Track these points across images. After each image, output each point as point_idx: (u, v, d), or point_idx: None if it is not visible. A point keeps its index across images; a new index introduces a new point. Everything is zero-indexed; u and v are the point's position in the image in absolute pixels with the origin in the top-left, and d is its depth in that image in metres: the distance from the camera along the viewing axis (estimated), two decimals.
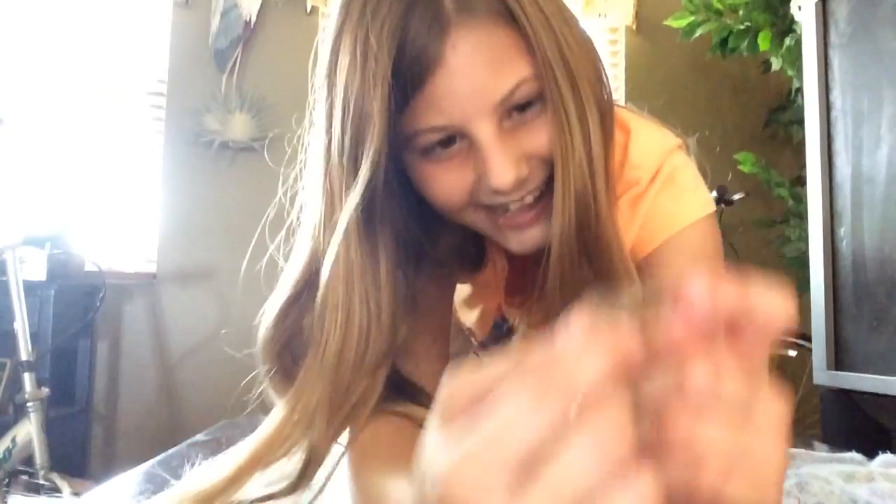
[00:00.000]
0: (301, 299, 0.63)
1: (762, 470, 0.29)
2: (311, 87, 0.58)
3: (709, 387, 0.27)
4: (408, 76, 0.50)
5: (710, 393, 0.27)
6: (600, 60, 0.59)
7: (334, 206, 0.55)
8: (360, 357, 0.54)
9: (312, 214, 0.62)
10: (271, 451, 0.56)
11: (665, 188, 0.66)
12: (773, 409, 0.33)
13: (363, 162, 0.52)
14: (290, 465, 0.56)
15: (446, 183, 0.55)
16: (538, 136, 0.54)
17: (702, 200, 0.69)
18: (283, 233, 0.75)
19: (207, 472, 0.56)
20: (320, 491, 0.58)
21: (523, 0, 0.51)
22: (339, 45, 0.53)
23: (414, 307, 0.62)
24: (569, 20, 0.54)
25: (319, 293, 0.57)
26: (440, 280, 0.63)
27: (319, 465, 0.56)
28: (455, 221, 0.60)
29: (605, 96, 0.58)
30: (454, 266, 0.66)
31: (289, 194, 0.77)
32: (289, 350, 0.63)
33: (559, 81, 0.52)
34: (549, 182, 0.55)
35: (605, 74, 0.59)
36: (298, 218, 0.68)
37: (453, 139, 0.53)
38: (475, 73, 0.50)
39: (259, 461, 0.56)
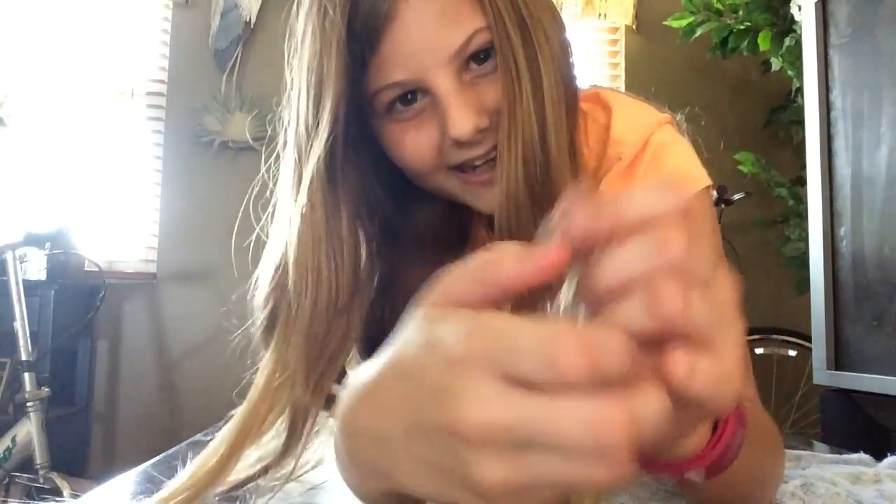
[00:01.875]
0: (282, 264, 0.61)
1: (724, 357, 0.29)
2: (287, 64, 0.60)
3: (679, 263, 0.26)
4: (364, 35, 0.51)
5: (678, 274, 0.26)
6: (559, 15, 0.59)
7: (301, 170, 0.57)
8: (332, 309, 0.55)
9: (286, 179, 0.63)
10: (256, 419, 0.59)
11: (654, 164, 0.65)
12: (727, 292, 0.32)
13: (322, 121, 0.53)
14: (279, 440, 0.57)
15: (413, 143, 0.55)
16: (487, 89, 0.53)
17: (694, 175, 0.68)
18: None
19: (199, 458, 0.56)
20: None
21: None
22: (304, 18, 0.58)
23: (397, 287, 0.62)
24: None
25: (291, 252, 0.57)
26: (424, 262, 0.60)
27: (305, 424, 0.57)
28: (431, 190, 0.59)
29: (565, 49, 0.58)
30: (435, 246, 0.64)
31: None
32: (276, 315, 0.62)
33: (509, 29, 0.51)
34: (499, 152, 0.54)
35: (565, 30, 0.59)
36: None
37: (415, 96, 0.54)
38: (429, 24, 0.50)
39: (247, 433, 0.58)
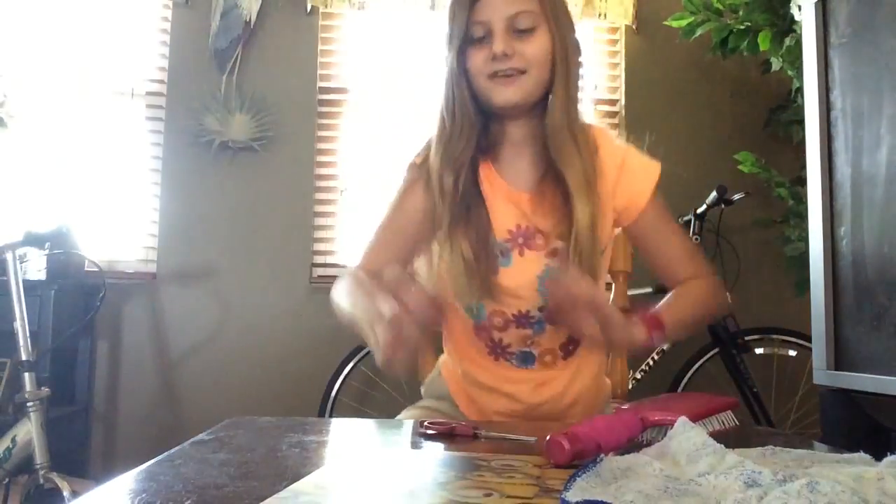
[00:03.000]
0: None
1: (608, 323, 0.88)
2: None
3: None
4: (472, 1, 1.00)
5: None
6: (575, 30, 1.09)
7: (447, 83, 1.04)
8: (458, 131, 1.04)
9: (442, 90, 1.05)
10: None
11: (625, 172, 1.13)
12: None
13: (455, 53, 1.01)
14: None
15: (477, 54, 1.00)
16: (523, 45, 0.99)
17: (655, 172, 1.21)
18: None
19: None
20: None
21: None
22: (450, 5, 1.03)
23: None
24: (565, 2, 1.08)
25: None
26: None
27: None
28: (478, 88, 1.02)
29: (579, 47, 1.08)
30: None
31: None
32: None
33: (556, 22, 1.02)
34: (521, 73, 0.99)
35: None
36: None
37: (485, 38, 0.99)
38: (500, 2, 0.99)
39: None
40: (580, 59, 1.05)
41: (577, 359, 1.12)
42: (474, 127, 1.02)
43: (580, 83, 1.04)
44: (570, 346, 1.11)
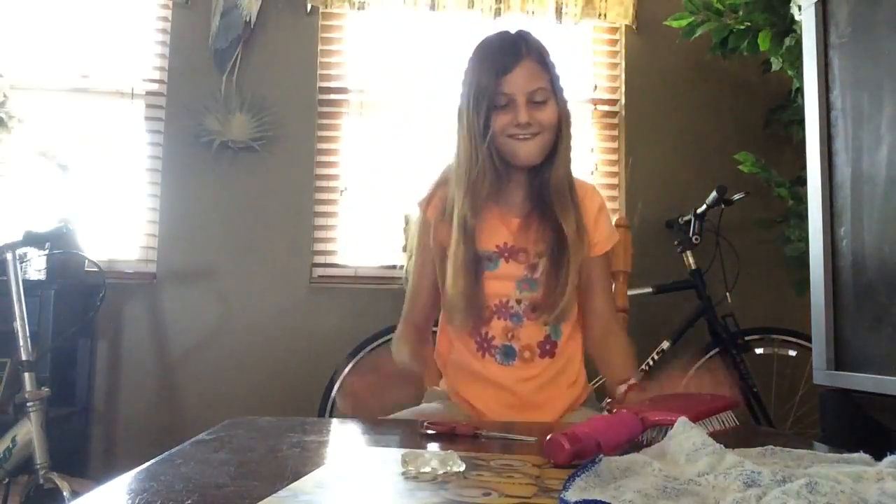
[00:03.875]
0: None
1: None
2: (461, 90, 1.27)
3: None
4: (498, 73, 1.20)
5: None
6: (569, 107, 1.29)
7: (472, 132, 1.22)
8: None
9: (464, 135, 1.24)
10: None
11: (601, 214, 1.33)
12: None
13: (481, 111, 1.21)
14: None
15: (503, 118, 1.21)
16: (539, 114, 1.22)
17: (614, 239, 1.36)
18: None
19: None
20: None
21: (548, 58, 1.25)
22: (475, 62, 1.25)
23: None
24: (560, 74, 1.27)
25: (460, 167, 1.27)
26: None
27: None
28: (498, 146, 1.23)
29: (572, 120, 1.29)
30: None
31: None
32: None
33: (555, 86, 1.25)
34: (535, 135, 1.22)
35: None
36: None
37: (507, 106, 1.21)
38: (522, 77, 1.20)
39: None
40: (570, 119, 1.28)
41: (557, 360, 1.28)
42: (493, 175, 1.24)
43: (571, 151, 1.29)
44: (547, 346, 1.27)
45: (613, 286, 1.41)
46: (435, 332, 1.41)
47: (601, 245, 1.31)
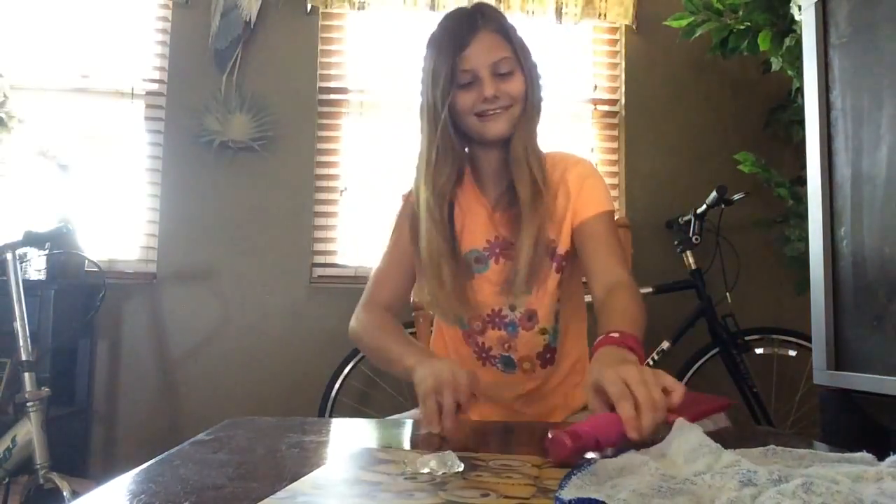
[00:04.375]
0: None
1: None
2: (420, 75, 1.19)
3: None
4: (457, 48, 1.12)
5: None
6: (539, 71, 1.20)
7: (431, 118, 1.15)
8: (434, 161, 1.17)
9: (425, 119, 1.16)
10: None
11: (587, 180, 1.19)
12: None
13: (439, 93, 1.13)
14: None
15: (465, 97, 1.13)
16: (506, 85, 1.14)
17: (600, 201, 1.19)
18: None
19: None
20: None
21: (513, 30, 1.17)
22: (430, 44, 1.17)
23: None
24: (529, 48, 1.19)
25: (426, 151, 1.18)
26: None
27: None
28: (466, 126, 1.16)
29: (542, 84, 1.20)
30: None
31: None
32: None
33: (519, 55, 1.16)
34: (507, 109, 1.14)
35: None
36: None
37: (471, 83, 1.13)
38: (483, 48, 1.12)
39: None
40: (542, 97, 1.19)
41: (559, 365, 1.23)
42: (458, 157, 1.17)
43: (539, 116, 1.19)
44: (547, 354, 1.22)
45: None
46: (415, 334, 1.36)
47: (590, 206, 1.17)
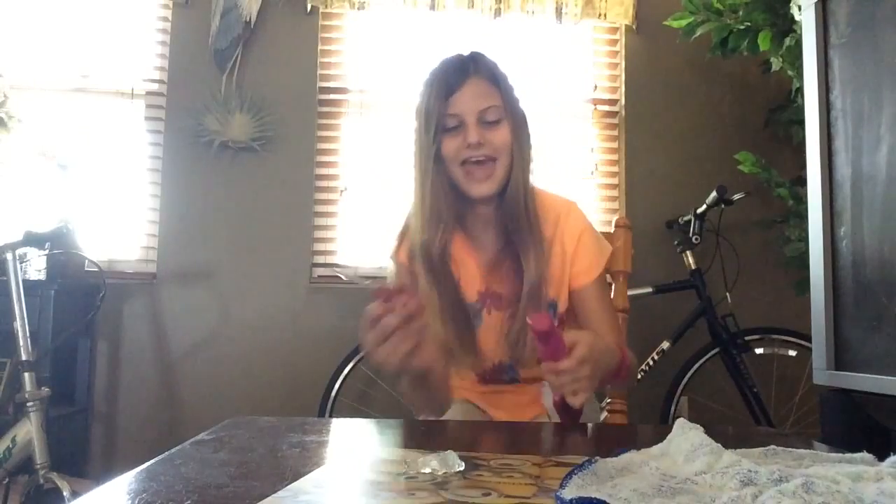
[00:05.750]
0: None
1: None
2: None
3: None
4: (444, 94, 1.13)
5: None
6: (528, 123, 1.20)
7: (423, 161, 1.16)
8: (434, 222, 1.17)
9: (417, 164, 1.18)
10: None
11: (583, 236, 1.21)
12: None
13: (431, 134, 1.13)
14: None
15: (451, 143, 1.13)
16: (492, 135, 1.14)
17: (601, 255, 1.23)
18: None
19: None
20: None
21: (503, 80, 1.17)
22: (423, 89, 1.16)
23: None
24: (518, 99, 1.19)
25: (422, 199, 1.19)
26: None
27: None
28: (452, 176, 1.16)
29: (531, 136, 1.19)
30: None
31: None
32: None
33: (510, 107, 1.16)
34: (492, 161, 1.14)
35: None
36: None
37: (458, 127, 1.13)
38: (471, 96, 1.13)
39: None
40: (532, 148, 1.19)
41: None
42: (451, 209, 1.17)
43: (532, 168, 1.19)
44: None
45: (613, 289, 1.39)
46: None
47: (586, 273, 1.20)
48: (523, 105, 1.19)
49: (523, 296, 1.14)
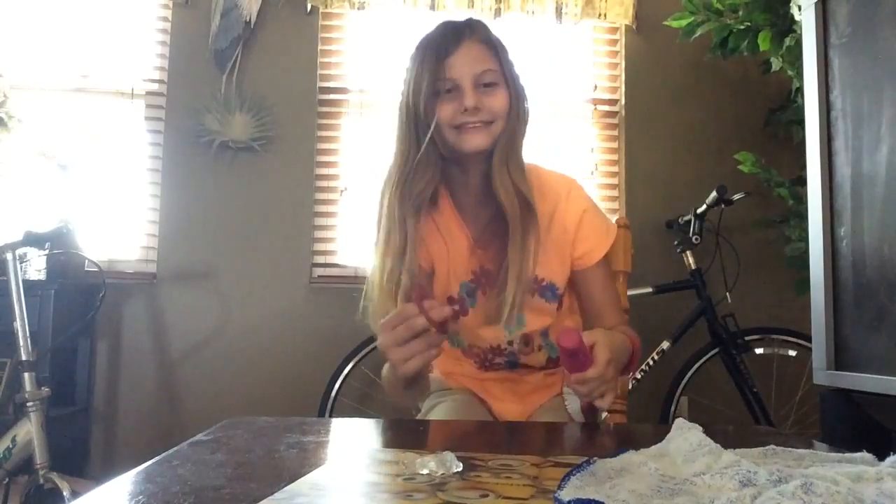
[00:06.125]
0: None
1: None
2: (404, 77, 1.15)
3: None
4: (440, 57, 1.08)
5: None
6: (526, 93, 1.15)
7: (410, 123, 1.10)
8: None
9: (400, 130, 1.12)
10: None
11: (586, 215, 1.17)
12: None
13: (421, 96, 1.08)
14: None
15: (446, 107, 1.08)
16: (489, 99, 1.09)
17: (606, 234, 1.21)
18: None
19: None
20: None
21: (500, 46, 1.13)
22: (415, 53, 1.13)
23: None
24: (517, 69, 1.14)
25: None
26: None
27: None
28: (444, 137, 1.09)
29: (527, 106, 1.15)
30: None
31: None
32: None
33: (505, 70, 1.11)
34: (488, 123, 1.09)
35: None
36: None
37: (452, 91, 1.08)
38: (467, 59, 1.09)
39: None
40: (528, 113, 1.14)
41: (559, 368, 1.26)
42: (436, 168, 1.10)
43: (525, 129, 1.14)
44: (550, 365, 1.26)
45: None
46: None
47: (591, 255, 1.17)
48: (523, 81, 1.14)
49: (510, 277, 1.07)
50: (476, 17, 1.18)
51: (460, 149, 1.09)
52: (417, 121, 1.08)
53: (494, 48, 1.11)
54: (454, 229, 1.17)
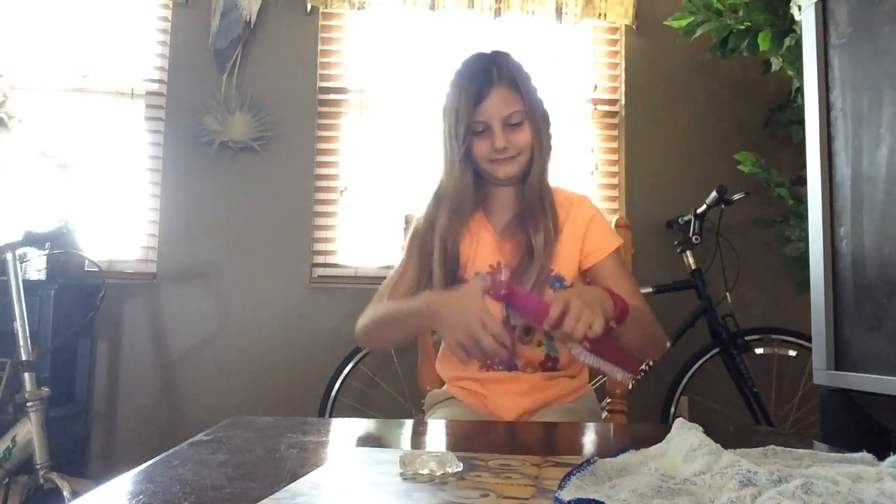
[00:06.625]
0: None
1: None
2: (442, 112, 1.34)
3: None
4: (473, 101, 1.26)
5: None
6: (549, 120, 1.35)
7: (452, 154, 1.30)
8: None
9: (447, 158, 1.32)
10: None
11: (593, 220, 1.34)
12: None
13: (460, 135, 1.28)
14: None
15: (482, 144, 1.28)
16: (515, 137, 1.28)
17: (609, 240, 1.34)
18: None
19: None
20: None
21: (524, 83, 1.30)
22: (453, 88, 1.31)
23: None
24: (540, 98, 1.34)
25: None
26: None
27: None
28: (480, 167, 1.31)
29: (551, 132, 1.35)
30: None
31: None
32: None
33: (534, 112, 1.30)
34: (515, 157, 1.29)
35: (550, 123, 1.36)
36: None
37: (485, 131, 1.28)
38: (496, 103, 1.27)
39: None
40: (551, 140, 1.35)
41: (560, 373, 1.32)
42: (472, 195, 1.32)
43: (549, 163, 1.35)
44: (548, 363, 1.31)
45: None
46: None
47: (600, 250, 1.31)
48: (545, 103, 1.33)
49: (531, 273, 1.24)
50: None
51: (495, 177, 1.31)
52: (457, 153, 1.29)
53: (519, 89, 1.28)
54: (480, 228, 1.34)
